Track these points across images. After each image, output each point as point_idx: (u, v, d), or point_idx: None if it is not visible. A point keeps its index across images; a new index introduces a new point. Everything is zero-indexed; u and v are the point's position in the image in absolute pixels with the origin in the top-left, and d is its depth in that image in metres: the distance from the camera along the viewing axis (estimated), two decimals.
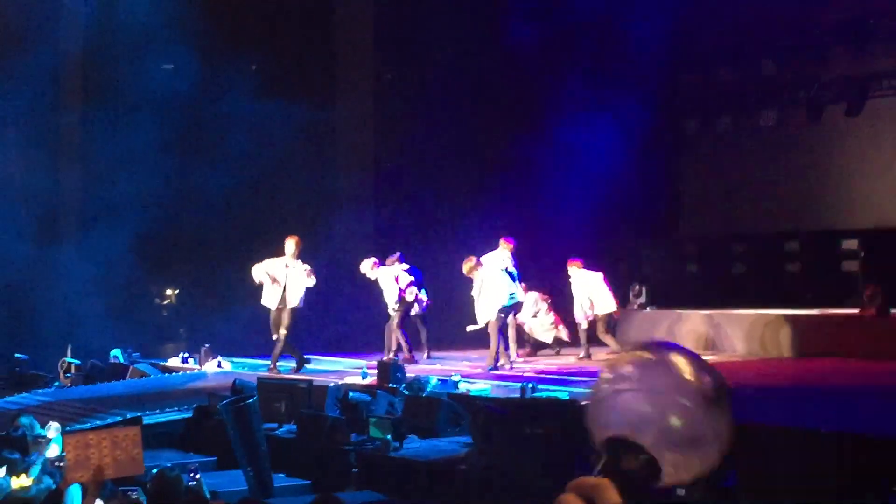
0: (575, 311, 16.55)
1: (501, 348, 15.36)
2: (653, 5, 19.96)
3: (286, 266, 15.47)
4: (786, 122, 19.71)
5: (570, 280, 16.59)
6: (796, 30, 19.06)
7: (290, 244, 15.52)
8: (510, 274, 15.55)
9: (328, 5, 21.72)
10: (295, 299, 15.48)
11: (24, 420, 12.11)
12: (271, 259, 15.58)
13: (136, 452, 7.07)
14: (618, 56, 19.94)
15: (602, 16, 19.47)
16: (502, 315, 15.20)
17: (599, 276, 16.53)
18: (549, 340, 17.25)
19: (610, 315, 16.61)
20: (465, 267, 15.46)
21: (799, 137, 19.73)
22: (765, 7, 19.28)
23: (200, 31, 19.46)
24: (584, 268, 16.58)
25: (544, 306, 17.17)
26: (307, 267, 15.50)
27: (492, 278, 15.31)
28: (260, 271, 15.46)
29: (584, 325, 16.43)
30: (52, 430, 12.18)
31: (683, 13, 20.22)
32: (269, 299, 15.62)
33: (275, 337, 15.68)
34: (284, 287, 15.45)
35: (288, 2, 21.12)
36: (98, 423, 13.05)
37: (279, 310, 15.56)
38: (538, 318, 17.14)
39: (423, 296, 16.74)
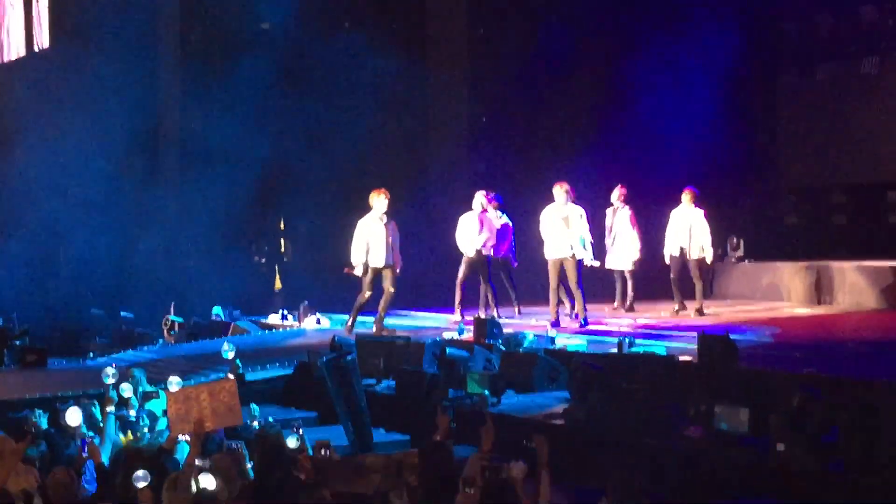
0: (675, 249, 15.94)
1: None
2: None
3: (381, 221, 15.03)
4: (888, 69, 19.24)
5: (678, 212, 15.97)
6: None
7: (382, 199, 14.99)
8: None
9: None
10: (390, 257, 15.22)
11: (137, 373, 12.38)
12: (367, 216, 15.22)
13: (234, 404, 7.27)
14: (716, 3, 19.58)
15: None
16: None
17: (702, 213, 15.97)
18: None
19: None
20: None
21: None
22: None
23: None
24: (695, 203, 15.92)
25: None
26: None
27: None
28: (365, 230, 15.03)
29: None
30: (174, 384, 12.50)
31: None
32: (376, 257, 15.04)
33: (367, 295, 15.21)
34: (385, 244, 14.99)
35: None
36: (203, 379, 13.33)
37: (378, 268, 15.09)
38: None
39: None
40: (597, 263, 15.61)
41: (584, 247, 15.03)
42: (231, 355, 12.21)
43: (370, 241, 14.94)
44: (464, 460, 7.49)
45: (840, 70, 19.89)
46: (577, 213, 14.98)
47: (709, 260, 15.97)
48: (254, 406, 11.08)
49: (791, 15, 20.58)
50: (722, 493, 8.42)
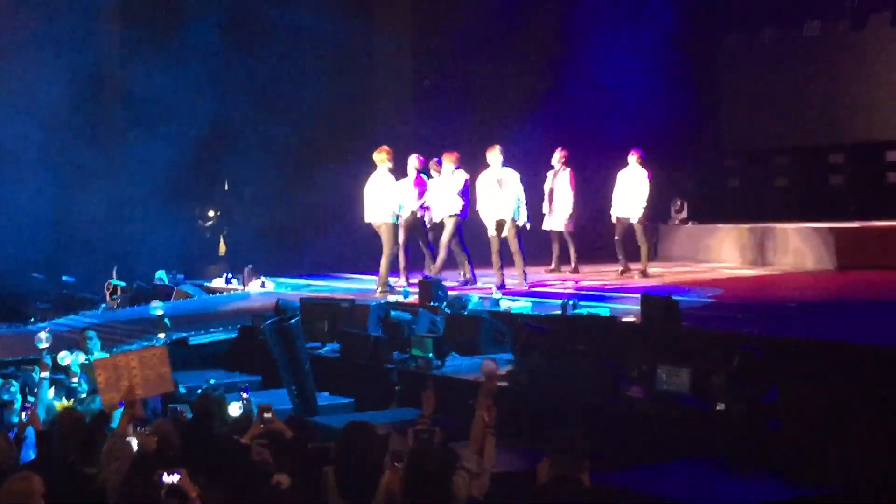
0: (621, 210, 15.94)
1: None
2: None
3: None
4: (830, 32, 19.37)
5: (623, 173, 15.92)
6: None
7: (385, 156, 15.01)
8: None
9: None
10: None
11: (90, 334, 12.22)
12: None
13: (165, 371, 7.23)
14: None
15: None
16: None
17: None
18: None
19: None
20: None
21: (843, 48, 19.38)
22: None
23: None
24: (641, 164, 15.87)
25: None
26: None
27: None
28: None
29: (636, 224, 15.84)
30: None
31: None
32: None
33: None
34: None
35: None
36: (145, 343, 13.25)
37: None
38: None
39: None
40: (528, 225, 15.47)
41: (519, 208, 15.02)
42: (159, 312, 12.11)
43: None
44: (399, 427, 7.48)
45: (783, 33, 20.00)
46: (513, 176, 14.98)
47: (633, 220, 15.91)
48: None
49: None
50: (663, 453, 8.49)
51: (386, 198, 14.86)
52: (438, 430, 6.53)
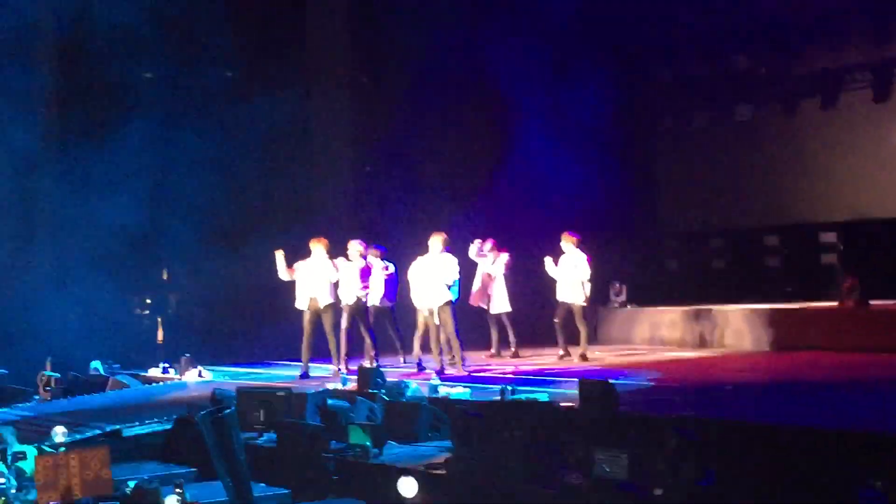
0: (564, 295, 16.03)
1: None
2: (619, 4, 19.97)
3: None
4: (762, 117, 19.74)
5: (563, 258, 16.03)
6: (769, 24, 19.06)
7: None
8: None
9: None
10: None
11: (4, 431, 12.04)
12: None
13: (105, 472, 7.07)
14: (589, 54, 19.89)
15: (569, 15, 19.48)
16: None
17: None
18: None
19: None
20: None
21: (776, 131, 19.74)
22: (735, 2, 19.27)
23: (174, 36, 19.45)
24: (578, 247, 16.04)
25: None
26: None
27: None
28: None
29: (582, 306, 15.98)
30: (60, 435, 12.16)
31: (651, 9, 20.16)
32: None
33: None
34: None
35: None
36: (78, 436, 12.99)
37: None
38: None
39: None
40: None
41: (456, 290, 15.15)
42: (60, 440, 11.79)
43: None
44: None
45: (715, 118, 20.34)
46: (450, 261, 15.05)
47: (577, 304, 16.00)
48: None
49: (665, 63, 20.99)
50: None
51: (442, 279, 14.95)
52: None
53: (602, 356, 16.47)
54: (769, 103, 19.66)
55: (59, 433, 12.19)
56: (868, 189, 18.69)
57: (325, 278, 15.47)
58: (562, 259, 16.03)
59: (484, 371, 15.14)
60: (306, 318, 15.63)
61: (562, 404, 11.25)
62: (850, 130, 18.89)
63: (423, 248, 15.29)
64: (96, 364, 17.86)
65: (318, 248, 15.52)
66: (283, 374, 16.42)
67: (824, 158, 19.21)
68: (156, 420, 13.92)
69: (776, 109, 19.54)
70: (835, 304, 16.58)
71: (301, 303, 15.62)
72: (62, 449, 11.01)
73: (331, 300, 15.59)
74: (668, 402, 11.29)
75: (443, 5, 20.62)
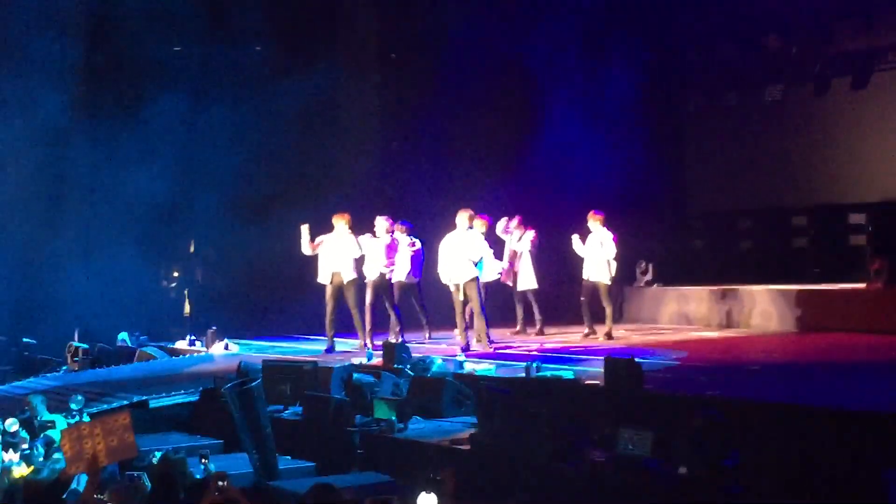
0: (590, 273, 15.98)
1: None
2: None
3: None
4: (792, 97, 19.60)
5: (590, 237, 15.95)
6: (801, 4, 18.89)
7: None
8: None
9: None
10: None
11: (34, 399, 12.15)
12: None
13: (128, 436, 7.11)
14: (619, 33, 19.80)
15: None
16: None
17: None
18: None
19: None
20: None
21: (805, 112, 19.60)
22: None
23: (205, 11, 19.52)
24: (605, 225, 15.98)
25: None
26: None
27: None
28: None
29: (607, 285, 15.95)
30: (77, 402, 12.28)
31: None
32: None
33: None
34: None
35: None
36: (105, 406, 13.13)
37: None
38: None
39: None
40: (501, 274, 15.87)
41: (482, 267, 15.16)
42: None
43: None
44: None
45: (745, 97, 20.21)
46: (477, 238, 15.05)
47: (603, 282, 15.99)
48: None
49: (696, 43, 20.87)
50: None
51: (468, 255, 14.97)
52: (395, 499, 6.47)
53: (628, 335, 16.45)
54: (800, 83, 19.49)
55: (77, 401, 12.28)
56: None
57: (348, 254, 15.47)
58: (589, 237, 16.00)
59: (509, 348, 15.16)
60: (328, 292, 15.65)
61: (587, 382, 11.27)
62: (881, 111, 18.72)
63: (450, 225, 15.28)
64: (123, 335, 18.01)
65: (340, 223, 15.52)
66: (308, 349, 16.50)
67: (854, 139, 19.06)
68: (182, 392, 14.05)
69: (807, 90, 19.38)
70: (863, 285, 16.48)
71: (323, 277, 15.64)
72: (86, 417, 11.12)
73: (353, 276, 15.58)
74: (694, 381, 11.28)
75: None
